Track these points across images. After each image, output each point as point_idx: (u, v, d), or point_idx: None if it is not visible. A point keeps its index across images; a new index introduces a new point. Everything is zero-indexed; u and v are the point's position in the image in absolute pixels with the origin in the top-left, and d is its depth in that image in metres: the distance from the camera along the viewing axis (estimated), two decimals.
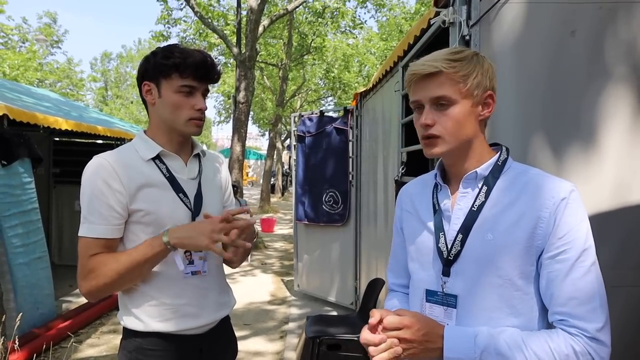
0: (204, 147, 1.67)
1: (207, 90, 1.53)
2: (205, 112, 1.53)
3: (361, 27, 16.92)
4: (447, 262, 1.14)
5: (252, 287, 6.77)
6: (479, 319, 1.09)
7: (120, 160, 1.45)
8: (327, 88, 22.76)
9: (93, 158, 1.45)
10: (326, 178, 5.58)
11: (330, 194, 5.52)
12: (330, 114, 5.81)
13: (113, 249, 1.44)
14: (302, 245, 6.12)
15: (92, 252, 1.40)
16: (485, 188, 1.13)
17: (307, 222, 5.86)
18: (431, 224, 1.21)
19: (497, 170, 1.15)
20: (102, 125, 6.54)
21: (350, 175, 5.38)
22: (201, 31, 15.08)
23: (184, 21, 14.99)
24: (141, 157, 1.49)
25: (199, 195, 1.55)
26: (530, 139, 1.84)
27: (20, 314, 3.09)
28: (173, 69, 1.43)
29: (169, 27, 14.30)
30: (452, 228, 1.15)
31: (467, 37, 1.97)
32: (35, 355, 3.63)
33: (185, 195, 1.51)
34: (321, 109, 6.06)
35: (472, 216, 1.12)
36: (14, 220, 4.05)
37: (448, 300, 1.14)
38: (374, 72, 19.04)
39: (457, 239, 1.13)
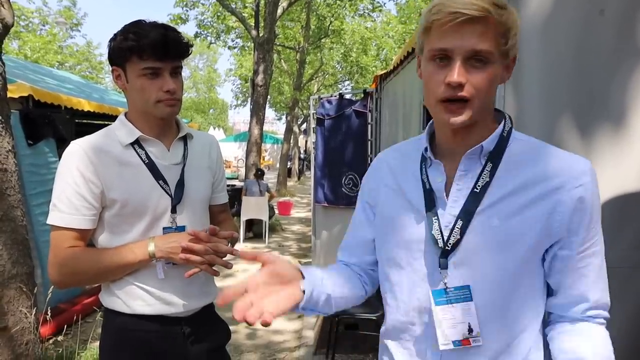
0: (192, 130, 1.59)
1: (178, 67, 1.43)
2: (179, 91, 1.43)
3: (380, 10, 16.74)
4: (444, 253, 0.96)
5: None
6: (498, 311, 0.96)
7: (97, 148, 1.39)
8: (344, 72, 22.68)
9: (71, 144, 1.40)
10: (345, 161, 5.59)
11: (350, 176, 5.54)
12: (350, 96, 5.79)
13: (85, 241, 1.42)
14: (320, 227, 6.16)
15: (66, 245, 1.37)
16: (490, 165, 0.95)
17: (326, 205, 5.89)
18: (422, 206, 1.01)
19: (502, 144, 0.97)
20: (123, 107, 6.62)
21: (369, 158, 5.39)
22: (219, 14, 15.07)
23: (202, 4, 14.99)
24: (120, 142, 1.43)
25: (180, 182, 1.48)
26: (557, 120, 1.83)
27: (52, 287, 3.20)
28: (130, 53, 1.34)
29: (187, 10, 14.33)
30: (448, 212, 0.97)
31: None
32: (63, 328, 3.75)
33: (165, 182, 1.45)
34: (340, 92, 6.05)
35: (474, 199, 0.94)
36: (40, 198, 4.16)
37: (462, 295, 0.96)
38: (392, 55, 18.86)
39: (457, 225, 0.95)
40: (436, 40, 0.90)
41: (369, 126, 5.34)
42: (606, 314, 0.98)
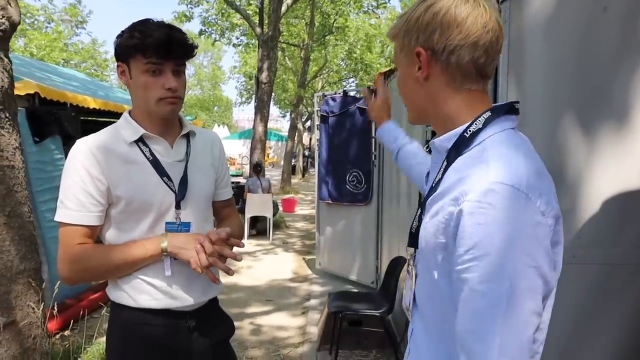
0: (195, 127, 1.61)
1: (182, 67, 1.46)
2: (182, 89, 1.46)
3: (384, 7, 16.70)
4: (411, 235, 1.00)
5: (274, 265, 6.89)
6: (425, 302, 0.98)
7: (102, 146, 1.42)
8: (348, 69, 22.62)
9: (76, 142, 1.43)
10: (349, 158, 5.61)
11: (354, 174, 5.55)
12: (354, 94, 5.80)
13: (94, 237, 1.44)
14: (324, 224, 6.18)
15: (76, 241, 1.40)
16: (445, 164, 0.92)
17: (330, 202, 5.91)
18: None
19: (463, 144, 0.89)
20: (128, 104, 6.66)
21: (373, 155, 5.40)
22: (224, 11, 15.08)
23: (207, 1, 15.00)
24: (124, 140, 1.46)
25: (184, 179, 1.51)
26: (560, 117, 1.83)
27: (58, 282, 3.23)
28: (134, 50, 1.38)
29: (191, 8, 14.35)
30: None
31: None
32: (70, 323, 3.79)
33: (169, 178, 1.47)
34: (344, 89, 6.06)
35: (429, 192, 0.94)
36: (46, 195, 4.19)
37: (417, 272, 1.01)
38: None
39: (417, 213, 0.99)
40: None
41: (373, 123, 5.34)
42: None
